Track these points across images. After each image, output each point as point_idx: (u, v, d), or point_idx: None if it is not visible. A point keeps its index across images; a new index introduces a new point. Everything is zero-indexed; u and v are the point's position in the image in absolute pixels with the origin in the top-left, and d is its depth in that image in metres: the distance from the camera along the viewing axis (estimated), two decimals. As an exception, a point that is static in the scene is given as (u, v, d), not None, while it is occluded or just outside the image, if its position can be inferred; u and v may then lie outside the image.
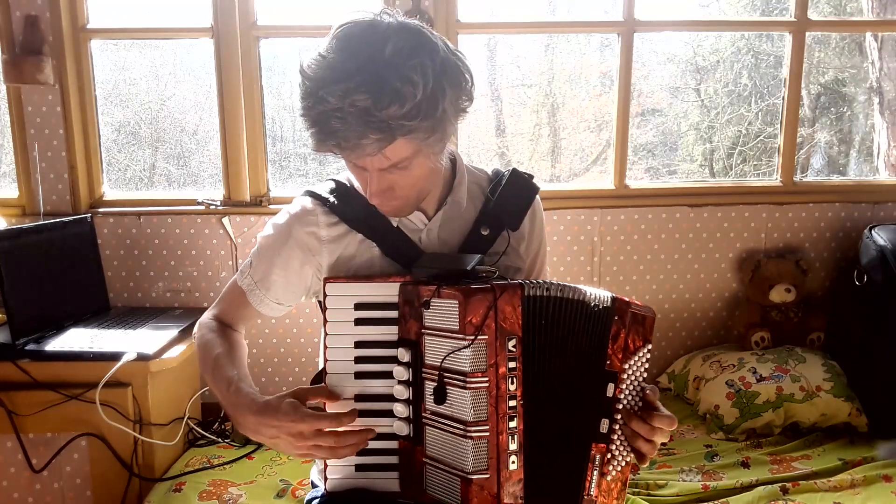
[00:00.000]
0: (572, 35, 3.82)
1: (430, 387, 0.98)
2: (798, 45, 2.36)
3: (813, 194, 2.43)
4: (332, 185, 1.17)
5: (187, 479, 1.84)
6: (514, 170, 1.21)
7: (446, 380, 0.96)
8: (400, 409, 1.02)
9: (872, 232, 2.21)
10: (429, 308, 0.98)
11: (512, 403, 0.95)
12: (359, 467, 1.05)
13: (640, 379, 1.04)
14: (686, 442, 2.02)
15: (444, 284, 0.97)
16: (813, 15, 2.37)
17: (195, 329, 1.22)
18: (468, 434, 0.94)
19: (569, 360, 1.01)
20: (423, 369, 0.99)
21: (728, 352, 2.28)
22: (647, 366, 1.04)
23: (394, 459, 1.04)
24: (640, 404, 1.03)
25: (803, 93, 2.92)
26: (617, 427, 1.00)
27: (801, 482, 1.76)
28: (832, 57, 4.33)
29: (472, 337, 0.93)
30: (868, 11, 3.55)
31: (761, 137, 4.14)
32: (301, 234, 1.14)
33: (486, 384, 0.94)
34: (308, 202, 1.16)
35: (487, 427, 0.94)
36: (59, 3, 2.17)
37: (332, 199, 1.14)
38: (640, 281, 2.40)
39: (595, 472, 1.00)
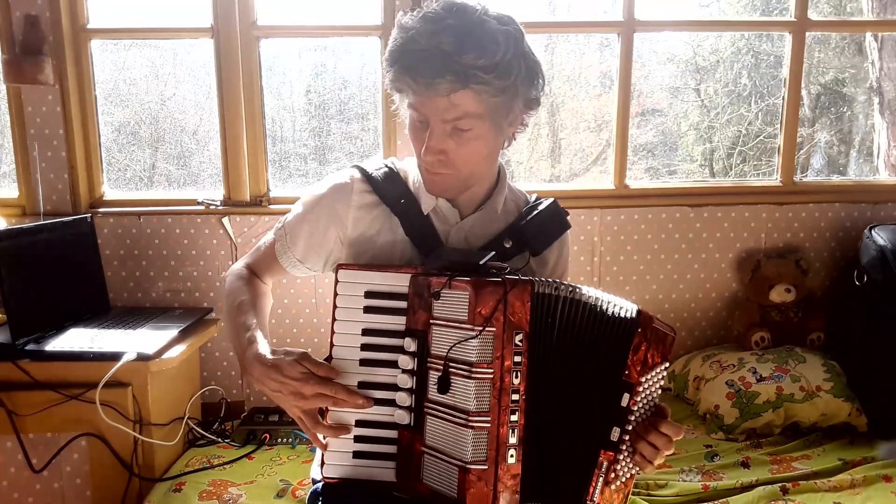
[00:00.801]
0: (572, 35, 3.82)
1: (434, 376, 1.00)
2: (798, 45, 2.37)
3: (813, 194, 2.43)
4: (380, 164, 1.23)
5: (187, 479, 1.84)
6: (554, 201, 1.24)
7: (451, 369, 0.98)
8: (402, 398, 1.03)
9: (872, 232, 2.21)
10: (439, 298, 1.00)
11: (515, 397, 0.97)
12: (356, 454, 1.06)
13: (655, 396, 1.04)
14: (686, 442, 2.02)
15: (456, 276, 0.99)
16: (813, 15, 2.37)
17: (226, 275, 1.29)
18: (469, 423, 0.95)
19: (581, 363, 1.01)
20: (429, 359, 1.01)
21: (728, 352, 2.28)
22: (662, 384, 1.04)
23: (392, 448, 1.05)
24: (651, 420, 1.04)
25: (803, 93, 2.92)
26: (627, 437, 1.00)
27: (801, 482, 1.76)
28: (832, 57, 4.33)
29: (481, 328, 0.95)
30: (868, 11, 3.55)
31: (761, 137, 4.14)
32: (334, 195, 1.19)
33: (491, 376, 0.96)
34: (354, 172, 1.21)
35: (489, 418, 0.95)
36: (59, 3, 2.17)
37: (373, 173, 1.20)
38: (640, 281, 2.40)
39: (600, 479, 1.00)
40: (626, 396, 0.99)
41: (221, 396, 2.27)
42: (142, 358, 1.78)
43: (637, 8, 2.30)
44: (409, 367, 1.02)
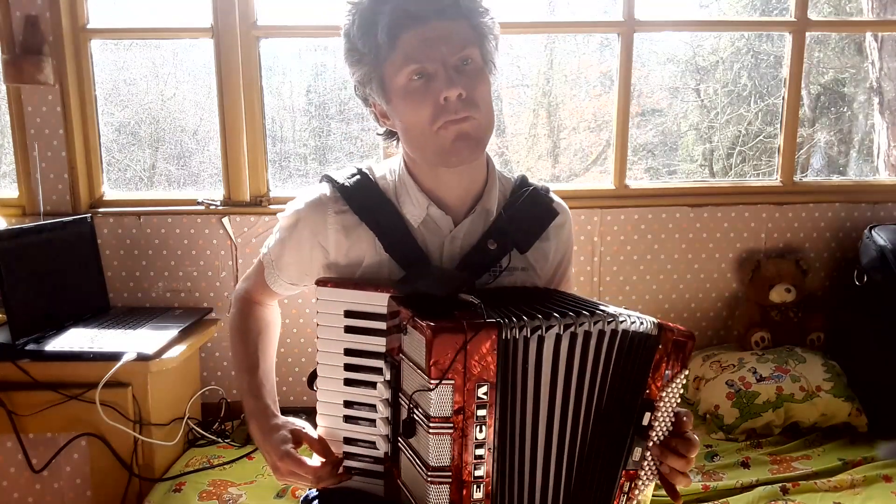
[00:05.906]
0: (572, 35, 3.82)
1: (403, 413, 0.92)
2: (798, 45, 2.37)
3: (813, 194, 2.43)
4: (353, 174, 1.12)
5: (187, 479, 1.84)
6: (535, 189, 1.15)
7: (414, 415, 0.90)
8: (381, 426, 0.99)
9: (872, 232, 2.21)
10: (406, 333, 0.91)
11: (479, 452, 0.87)
12: (346, 470, 1.05)
13: (674, 404, 0.97)
14: (686, 442, 2.02)
15: (419, 312, 0.89)
16: (813, 15, 2.37)
17: (232, 300, 1.26)
18: (427, 478, 0.87)
19: (590, 404, 0.92)
20: (400, 394, 0.95)
21: (728, 352, 2.28)
22: (681, 390, 0.98)
23: (379, 468, 1.03)
24: (671, 429, 0.97)
25: (803, 93, 2.92)
26: (648, 454, 0.96)
27: (801, 482, 1.76)
28: (832, 57, 4.33)
29: (437, 381, 0.84)
30: (868, 11, 3.55)
31: (761, 137, 4.14)
32: (311, 218, 1.10)
33: (451, 431, 0.86)
34: (325, 189, 1.12)
35: (449, 475, 0.87)
36: (59, 3, 2.17)
37: (347, 185, 1.10)
38: (640, 281, 2.40)
39: (622, 498, 0.96)
40: (647, 415, 0.93)
41: (221, 396, 2.26)
42: (142, 358, 1.78)
43: (637, 8, 2.30)
44: (385, 396, 0.97)
